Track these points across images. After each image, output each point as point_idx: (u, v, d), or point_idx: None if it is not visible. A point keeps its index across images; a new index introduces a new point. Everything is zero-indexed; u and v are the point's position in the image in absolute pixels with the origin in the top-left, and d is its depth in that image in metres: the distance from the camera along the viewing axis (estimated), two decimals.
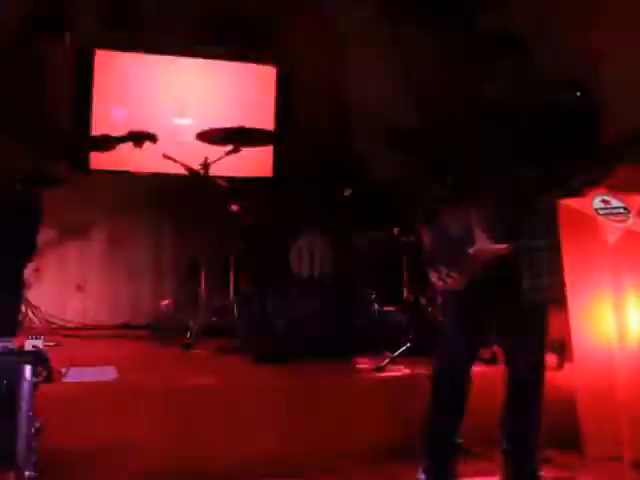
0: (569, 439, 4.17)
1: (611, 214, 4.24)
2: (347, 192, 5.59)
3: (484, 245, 3.33)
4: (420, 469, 3.54)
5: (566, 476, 3.94)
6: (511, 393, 3.50)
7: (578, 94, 5.05)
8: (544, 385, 3.54)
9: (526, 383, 3.50)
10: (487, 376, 3.62)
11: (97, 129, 6.22)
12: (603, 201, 4.26)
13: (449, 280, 3.38)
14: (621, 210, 4.26)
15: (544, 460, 3.82)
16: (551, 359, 4.84)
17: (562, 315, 4.48)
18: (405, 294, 5.36)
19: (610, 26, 5.30)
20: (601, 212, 4.24)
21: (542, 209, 3.41)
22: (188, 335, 5.23)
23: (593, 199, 4.26)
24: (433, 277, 3.43)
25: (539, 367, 3.53)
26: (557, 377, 4.68)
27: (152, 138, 4.89)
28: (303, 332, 5.00)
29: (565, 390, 4.38)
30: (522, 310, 3.39)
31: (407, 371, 4.57)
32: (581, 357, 4.33)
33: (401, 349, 4.79)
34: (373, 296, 5.31)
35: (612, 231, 4.20)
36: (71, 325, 5.48)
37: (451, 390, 3.53)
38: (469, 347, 3.55)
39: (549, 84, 4.98)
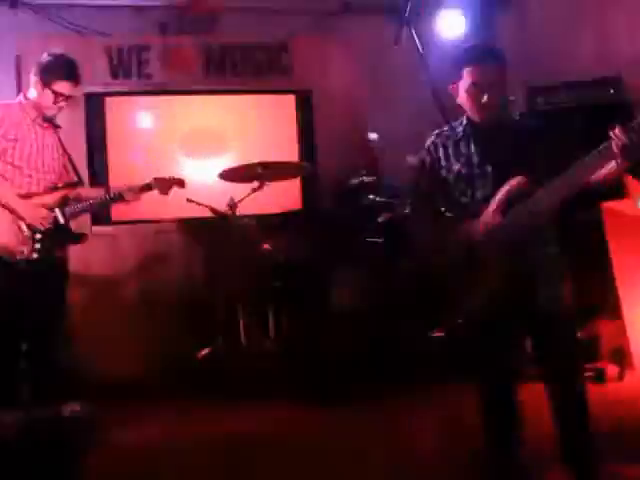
0: (636, 452, 4.15)
1: None
2: (382, 218, 5.58)
3: None
4: None
5: None
6: (550, 395, 3.48)
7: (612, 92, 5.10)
8: (582, 376, 3.55)
9: (562, 375, 3.46)
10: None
11: (114, 177, 6.31)
12: None
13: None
14: None
15: (610, 475, 3.82)
16: (611, 370, 4.84)
17: (618, 322, 4.48)
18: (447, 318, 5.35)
19: None
20: None
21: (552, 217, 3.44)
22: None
23: (638, 199, 4.26)
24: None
25: (573, 357, 3.51)
26: (619, 389, 4.67)
27: (180, 183, 4.93)
28: (352, 372, 5.05)
29: (628, 402, 4.37)
30: (542, 320, 3.41)
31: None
32: None
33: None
34: (418, 324, 5.32)
35: None
36: (105, 382, 5.50)
37: (498, 409, 3.55)
38: (502, 362, 3.55)
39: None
